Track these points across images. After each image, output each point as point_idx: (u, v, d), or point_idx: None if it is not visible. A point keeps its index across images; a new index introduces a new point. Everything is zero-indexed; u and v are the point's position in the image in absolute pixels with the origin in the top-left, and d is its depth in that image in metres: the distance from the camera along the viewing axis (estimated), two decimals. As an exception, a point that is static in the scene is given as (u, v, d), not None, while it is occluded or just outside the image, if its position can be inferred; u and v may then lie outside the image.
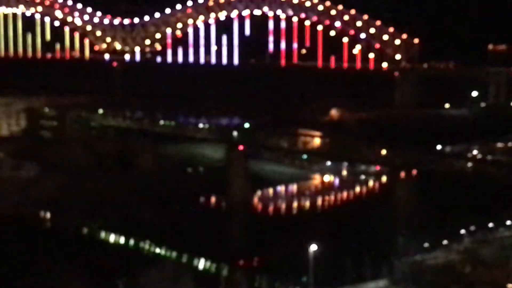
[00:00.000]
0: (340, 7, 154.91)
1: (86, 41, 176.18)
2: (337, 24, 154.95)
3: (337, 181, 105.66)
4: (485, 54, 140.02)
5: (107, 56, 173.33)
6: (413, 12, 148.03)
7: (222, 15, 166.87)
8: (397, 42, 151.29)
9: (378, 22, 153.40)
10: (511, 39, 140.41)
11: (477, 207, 74.17)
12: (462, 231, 65.40)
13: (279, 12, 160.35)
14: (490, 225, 67.87)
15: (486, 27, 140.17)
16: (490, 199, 74.98)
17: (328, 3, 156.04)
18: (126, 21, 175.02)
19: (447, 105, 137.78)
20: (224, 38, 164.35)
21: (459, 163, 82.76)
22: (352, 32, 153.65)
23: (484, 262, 59.02)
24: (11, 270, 61.42)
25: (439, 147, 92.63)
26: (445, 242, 63.41)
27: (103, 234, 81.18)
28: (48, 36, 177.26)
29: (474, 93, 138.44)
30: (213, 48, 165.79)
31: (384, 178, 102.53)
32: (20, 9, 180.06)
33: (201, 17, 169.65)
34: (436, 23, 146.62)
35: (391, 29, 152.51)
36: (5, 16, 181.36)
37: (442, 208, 77.29)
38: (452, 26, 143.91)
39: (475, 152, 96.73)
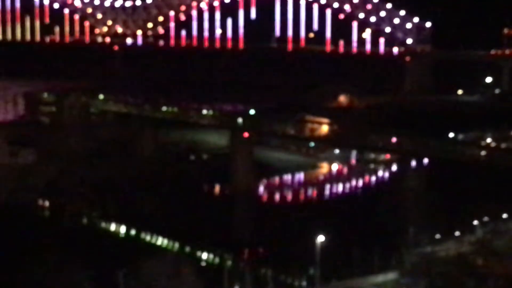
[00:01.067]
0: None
1: (87, 24, 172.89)
2: (346, 7, 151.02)
3: (345, 169, 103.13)
4: (500, 38, 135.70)
5: (108, 40, 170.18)
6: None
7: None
8: (408, 25, 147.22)
9: (389, 5, 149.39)
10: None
11: (490, 197, 72.34)
12: (475, 222, 63.07)
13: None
14: (504, 215, 65.47)
15: (502, 11, 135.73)
16: (503, 189, 72.36)
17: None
18: (128, 3, 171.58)
19: (460, 91, 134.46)
20: (229, 21, 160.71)
21: (472, 151, 79.73)
22: (361, 15, 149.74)
23: (497, 253, 56.92)
24: (7, 258, 59.55)
25: (451, 134, 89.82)
26: (456, 233, 61.22)
27: (102, 223, 79.42)
28: (47, 19, 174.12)
29: (488, 79, 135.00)
30: (218, 31, 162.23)
31: (394, 167, 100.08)
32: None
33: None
34: (449, 6, 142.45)
35: (402, 12, 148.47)
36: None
37: (454, 198, 75.40)
38: (466, 8, 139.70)
39: (488, 140, 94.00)
